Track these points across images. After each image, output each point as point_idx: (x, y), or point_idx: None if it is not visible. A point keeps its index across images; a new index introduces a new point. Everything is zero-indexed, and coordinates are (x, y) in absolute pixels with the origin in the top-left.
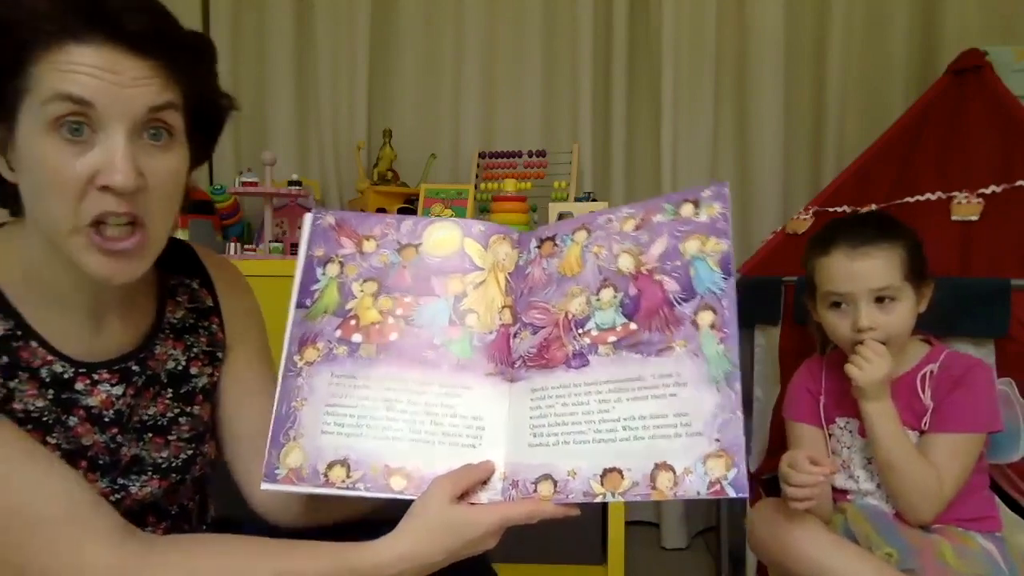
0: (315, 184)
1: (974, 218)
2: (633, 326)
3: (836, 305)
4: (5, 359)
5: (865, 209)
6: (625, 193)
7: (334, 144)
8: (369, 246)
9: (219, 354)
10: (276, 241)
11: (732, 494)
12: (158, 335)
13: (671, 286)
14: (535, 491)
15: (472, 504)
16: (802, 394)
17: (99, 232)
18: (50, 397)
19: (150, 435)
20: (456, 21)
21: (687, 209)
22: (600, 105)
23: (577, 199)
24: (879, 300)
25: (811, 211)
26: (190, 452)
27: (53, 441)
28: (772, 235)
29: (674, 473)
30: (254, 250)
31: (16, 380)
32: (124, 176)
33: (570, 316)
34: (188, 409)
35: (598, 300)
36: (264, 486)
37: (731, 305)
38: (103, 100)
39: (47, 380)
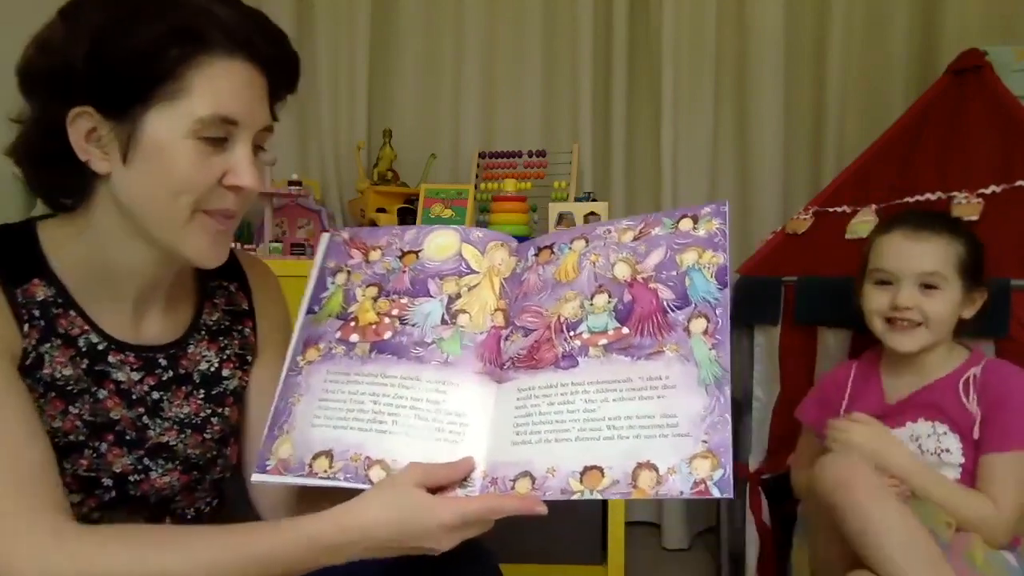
0: (315, 184)
1: (974, 218)
2: (625, 330)
3: (880, 283)
4: (42, 323)
5: (865, 209)
6: (625, 193)
7: (334, 144)
8: (375, 255)
9: (249, 358)
10: (276, 241)
11: (717, 494)
12: (193, 335)
13: (666, 294)
14: (513, 488)
15: (437, 494)
16: (815, 400)
17: (207, 218)
18: (83, 367)
19: (189, 431)
20: (456, 21)
21: (686, 224)
22: (600, 105)
23: (577, 199)
24: (925, 286)
25: (811, 211)
26: (214, 452)
27: (75, 411)
28: (772, 235)
29: (657, 472)
30: (254, 250)
31: (48, 344)
32: (255, 180)
33: (562, 319)
34: (219, 410)
35: (591, 305)
36: (254, 477)
37: (724, 314)
38: (245, 116)
39: (83, 349)
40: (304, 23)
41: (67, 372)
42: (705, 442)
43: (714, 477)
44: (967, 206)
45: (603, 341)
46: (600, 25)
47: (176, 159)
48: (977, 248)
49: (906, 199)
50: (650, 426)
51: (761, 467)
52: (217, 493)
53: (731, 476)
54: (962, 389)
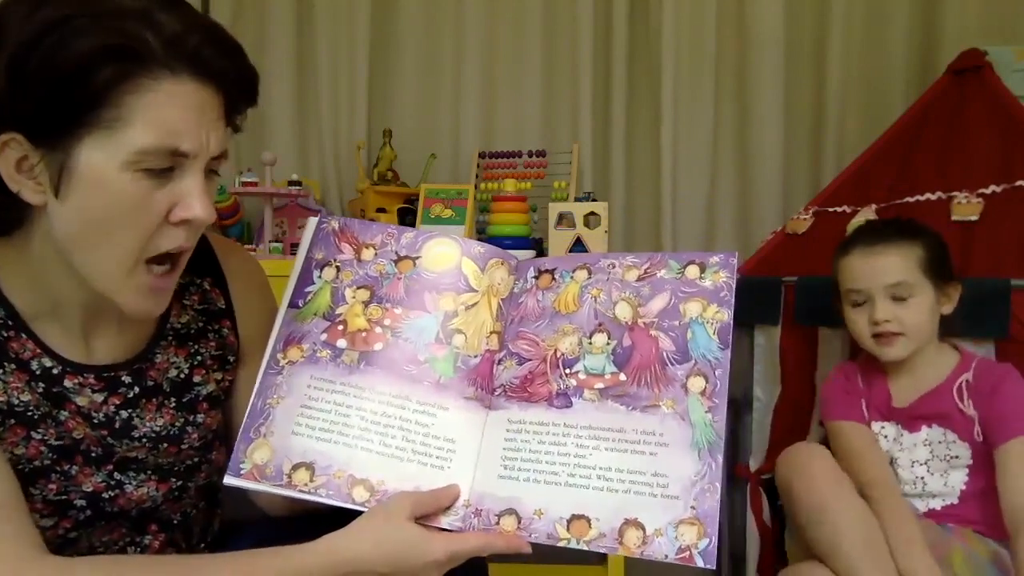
0: (315, 184)
1: (974, 218)
2: (622, 377)
3: (856, 304)
4: None
5: (865, 209)
6: (625, 193)
7: (334, 144)
8: (367, 254)
9: (231, 358)
10: (276, 241)
11: (700, 564)
12: (159, 343)
13: (666, 344)
14: (498, 524)
15: (428, 527)
16: (841, 394)
17: (149, 272)
18: (40, 391)
19: (165, 445)
20: (456, 21)
21: (692, 271)
22: (600, 105)
23: (577, 199)
24: (897, 298)
25: (811, 211)
26: (196, 459)
27: (39, 437)
28: (772, 235)
29: (643, 532)
30: (254, 250)
31: (1, 370)
32: (207, 210)
33: (559, 354)
34: (191, 418)
35: (590, 343)
36: (227, 480)
37: (724, 376)
38: (195, 146)
39: (37, 373)
40: (304, 23)
41: (25, 397)
42: (694, 508)
43: (699, 546)
44: (967, 206)
45: (599, 385)
46: (600, 25)
47: (114, 195)
48: (938, 244)
49: (906, 199)
50: (640, 483)
51: (761, 467)
52: (206, 497)
53: (715, 547)
54: (956, 395)
